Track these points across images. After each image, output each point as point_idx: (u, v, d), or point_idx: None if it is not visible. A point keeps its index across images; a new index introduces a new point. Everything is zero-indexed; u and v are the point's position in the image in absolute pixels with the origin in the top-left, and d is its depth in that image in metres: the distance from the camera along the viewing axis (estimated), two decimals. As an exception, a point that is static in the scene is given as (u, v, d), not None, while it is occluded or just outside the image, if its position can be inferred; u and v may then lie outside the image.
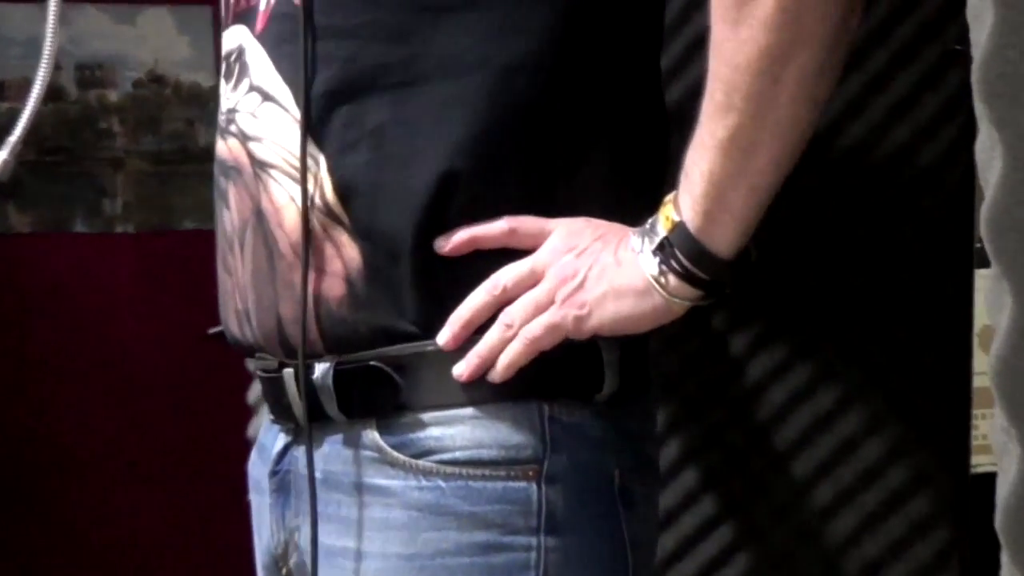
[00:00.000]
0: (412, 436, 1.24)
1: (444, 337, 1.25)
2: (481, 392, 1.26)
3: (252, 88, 1.29)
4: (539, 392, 1.26)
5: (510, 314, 1.26)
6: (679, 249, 1.22)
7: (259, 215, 1.28)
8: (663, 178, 1.32)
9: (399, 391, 1.25)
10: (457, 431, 1.24)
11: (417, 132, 1.23)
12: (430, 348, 1.26)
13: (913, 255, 1.73)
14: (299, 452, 1.32)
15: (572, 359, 1.27)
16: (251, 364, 1.39)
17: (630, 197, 1.30)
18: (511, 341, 1.25)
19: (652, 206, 1.26)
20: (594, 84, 1.28)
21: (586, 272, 1.25)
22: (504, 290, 1.26)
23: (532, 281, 1.26)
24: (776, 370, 1.75)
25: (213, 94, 2.00)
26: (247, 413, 1.99)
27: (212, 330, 1.40)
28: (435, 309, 1.25)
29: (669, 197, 1.24)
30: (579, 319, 1.26)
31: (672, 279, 1.24)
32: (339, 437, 1.28)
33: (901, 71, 1.74)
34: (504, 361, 1.26)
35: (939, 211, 1.73)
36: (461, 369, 1.26)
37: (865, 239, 1.73)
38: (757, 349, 1.72)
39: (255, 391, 1.93)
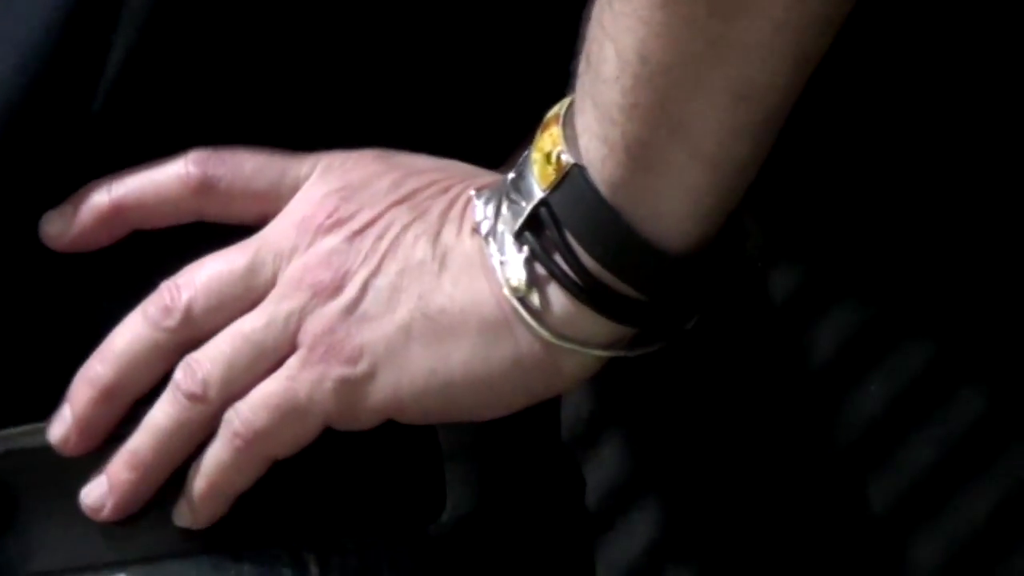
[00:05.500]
0: None
1: (60, 427, 0.68)
2: (164, 540, 0.69)
3: None
4: (297, 535, 0.69)
5: (198, 373, 0.66)
6: (573, 228, 0.62)
7: None
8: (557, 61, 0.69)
9: None
10: None
11: None
12: (30, 444, 0.69)
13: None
14: None
15: (364, 464, 0.69)
16: None
17: (477, 94, 0.71)
18: (204, 435, 0.67)
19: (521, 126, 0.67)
20: None
21: (367, 277, 0.65)
22: (186, 314, 0.67)
23: (247, 296, 0.67)
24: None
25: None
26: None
27: None
28: (33, 361, 0.69)
29: (554, 111, 0.64)
30: (348, 385, 0.65)
31: (556, 296, 0.63)
32: None
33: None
34: (195, 485, 0.68)
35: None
36: (99, 499, 0.68)
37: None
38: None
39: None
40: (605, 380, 0.75)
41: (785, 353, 0.72)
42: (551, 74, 0.68)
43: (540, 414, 0.73)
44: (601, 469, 0.80)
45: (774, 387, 0.73)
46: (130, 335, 0.66)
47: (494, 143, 0.69)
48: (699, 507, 0.75)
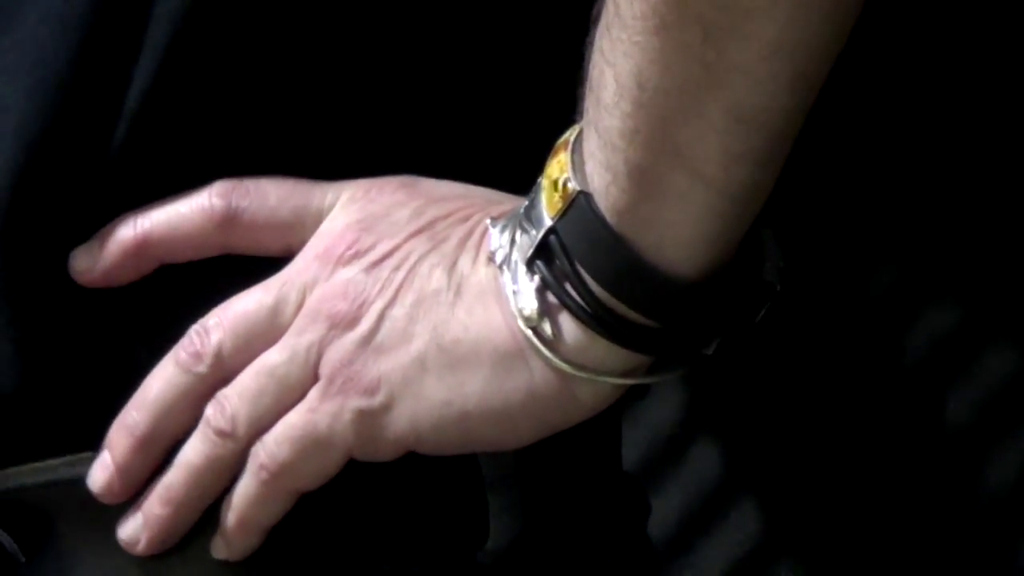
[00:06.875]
0: None
1: (103, 474, 0.66)
2: (200, 574, 0.67)
3: None
4: (339, 565, 0.67)
5: (227, 410, 0.64)
6: (581, 256, 0.60)
7: None
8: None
9: None
10: None
11: None
12: (70, 475, 0.66)
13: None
14: None
15: (405, 492, 0.66)
16: None
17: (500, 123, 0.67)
18: (236, 470, 0.65)
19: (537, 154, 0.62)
20: None
21: (384, 307, 0.63)
22: (216, 358, 0.65)
23: (273, 332, 0.64)
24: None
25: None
26: None
27: None
28: (69, 393, 0.67)
29: (564, 137, 0.61)
30: (366, 417, 0.63)
31: (568, 325, 0.60)
32: None
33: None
34: (228, 519, 0.66)
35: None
36: (135, 533, 0.66)
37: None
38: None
39: None
40: (678, 404, 0.73)
41: (868, 374, 0.69)
42: (571, 98, 0.65)
43: (594, 441, 0.71)
44: (670, 496, 0.77)
45: (850, 414, 0.69)
46: (163, 382, 0.64)
47: (521, 167, 0.65)
48: (777, 534, 0.72)
